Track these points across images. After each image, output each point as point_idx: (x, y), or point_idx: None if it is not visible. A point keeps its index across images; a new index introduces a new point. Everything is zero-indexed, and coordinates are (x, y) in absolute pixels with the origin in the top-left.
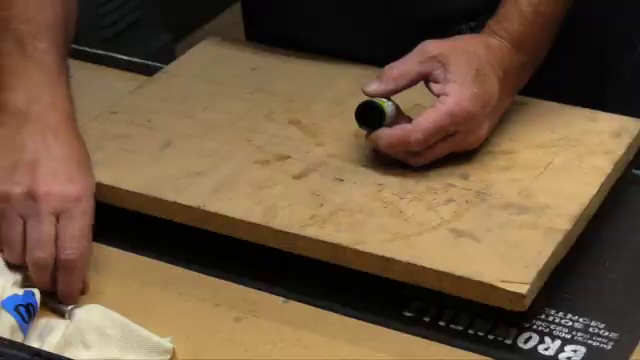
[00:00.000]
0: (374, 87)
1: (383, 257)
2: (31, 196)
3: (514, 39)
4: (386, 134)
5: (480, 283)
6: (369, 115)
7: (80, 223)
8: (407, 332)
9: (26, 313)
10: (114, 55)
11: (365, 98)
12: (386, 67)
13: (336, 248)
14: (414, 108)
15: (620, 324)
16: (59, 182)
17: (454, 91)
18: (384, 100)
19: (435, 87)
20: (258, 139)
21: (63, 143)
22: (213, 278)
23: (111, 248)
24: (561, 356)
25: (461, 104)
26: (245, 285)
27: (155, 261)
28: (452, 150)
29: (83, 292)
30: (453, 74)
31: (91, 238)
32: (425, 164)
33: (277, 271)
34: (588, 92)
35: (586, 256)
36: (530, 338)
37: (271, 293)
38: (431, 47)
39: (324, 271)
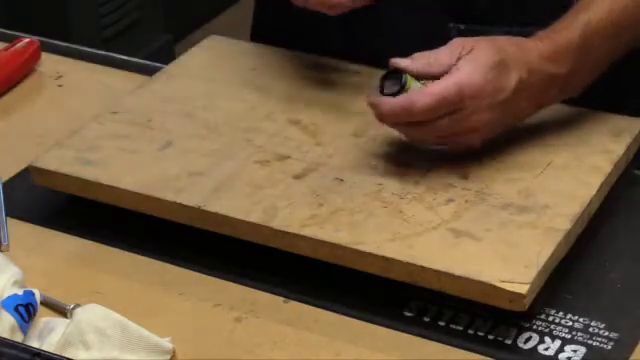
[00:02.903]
0: (404, 63)
1: (383, 257)
2: None
3: (552, 46)
4: (390, 101)
5: (480, 283)
6: (390, 79)
7: None
8: (407, 332)
9: (26, 313)
10: (114, 55)
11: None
12: (420, 52)
13: (336, 248)
14: None
15: (620, 324)
16: None
17: (467, 66)
18: (415, 79)
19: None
20: (258, 139)
21: None
22: (213, 278)
23: (111, 248)
24: (561, 356)
25: (471, 78)
26: (245, 285)
27: (155, 261)
28: (452, 130)
29: None
30: (474, 54)
31: None
32: (425, 145)
33: (277, 271)
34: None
35: (586, 256)
36: (530, 338)
37: (271, 293)
38: (462, 39)
39: (324, 271)
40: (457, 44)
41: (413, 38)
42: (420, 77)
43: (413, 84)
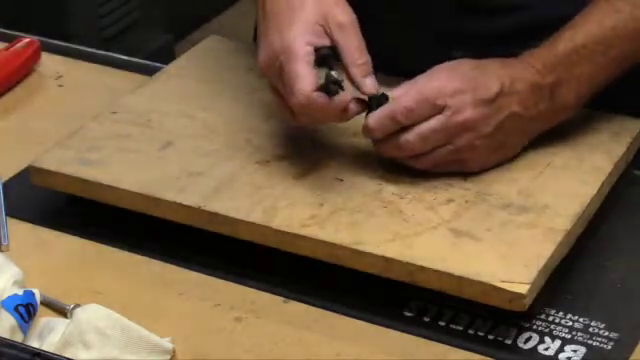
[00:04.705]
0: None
1: (383, 257)
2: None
3: (534, 58)
4: (375, 113)
5: (480, 283)
6: (375, 101)
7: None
8: (407, 332)
9: (26, 313)
10: (114, 55)
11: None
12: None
13: (336, 248)
14: None
15: (620, 324)
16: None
17: (443, 69)
18: None
19: None
20: (258, 139)
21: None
22: (213, 278)
23: (111, 248)
24: (561, 356)
25: (449, 78)
26: (245, 285)
27: (155, 261)
28: (445, 134)
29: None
30: (451, 64)
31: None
32: (419, 150)
33: (277, 271)
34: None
35: (586, 256)
36: (530, 338)
37: (271, 293)
38: (440, 64)
39: (324, 271)
40: (436, 68)
41: (414, 53)
42: None
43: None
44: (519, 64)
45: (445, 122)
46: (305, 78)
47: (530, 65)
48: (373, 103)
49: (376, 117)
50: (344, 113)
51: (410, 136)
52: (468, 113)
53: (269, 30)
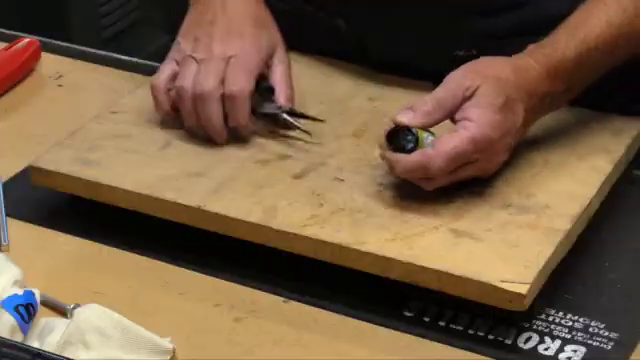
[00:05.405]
0: (405, 119)
1: (383, 257)
2: (207, 49)
3: (548, 65)
4: (405, 159)
5: (480, 283)
6: (400, 134)
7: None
8: (407, 332)
9: (26, 313)
10: (114, 55)
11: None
12: (419, 100)
13: (336, 248)
14: None
15: (620, 324)
16: (230, 38)
17: (476, 116)
18: (422, 130)
19: (457, 114)
20: (258, 139)
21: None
22: (213, 278)
23: (111, 248)
24: (561, 356)
25: (484, 130)
26: (245, 285)
27: (155, 261)
28: (468, 177)
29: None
30: (479, 98)
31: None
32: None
33: (277, 271)
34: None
35: (586, 256)
36: (530, 338)
37: (271, 293)
38: (461, 77)
39: (324, 271)
40: (457, 84)
41: (415, 54)
42: (422, 127)
43: (424, 137)
44: (533, 74)
45: (475, 170)
46: (246, 83)
47: (545, 73)
48: (396, 136)
49: (407, 166)
50: (221, 132)
51: (437, 181)
52: (497, 160)
53: (213, 34)
